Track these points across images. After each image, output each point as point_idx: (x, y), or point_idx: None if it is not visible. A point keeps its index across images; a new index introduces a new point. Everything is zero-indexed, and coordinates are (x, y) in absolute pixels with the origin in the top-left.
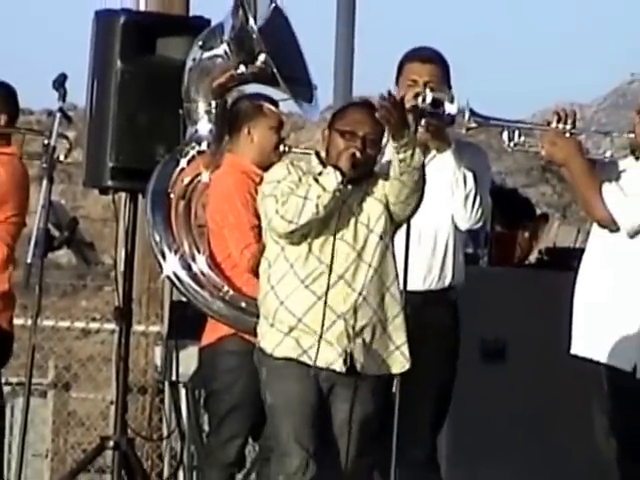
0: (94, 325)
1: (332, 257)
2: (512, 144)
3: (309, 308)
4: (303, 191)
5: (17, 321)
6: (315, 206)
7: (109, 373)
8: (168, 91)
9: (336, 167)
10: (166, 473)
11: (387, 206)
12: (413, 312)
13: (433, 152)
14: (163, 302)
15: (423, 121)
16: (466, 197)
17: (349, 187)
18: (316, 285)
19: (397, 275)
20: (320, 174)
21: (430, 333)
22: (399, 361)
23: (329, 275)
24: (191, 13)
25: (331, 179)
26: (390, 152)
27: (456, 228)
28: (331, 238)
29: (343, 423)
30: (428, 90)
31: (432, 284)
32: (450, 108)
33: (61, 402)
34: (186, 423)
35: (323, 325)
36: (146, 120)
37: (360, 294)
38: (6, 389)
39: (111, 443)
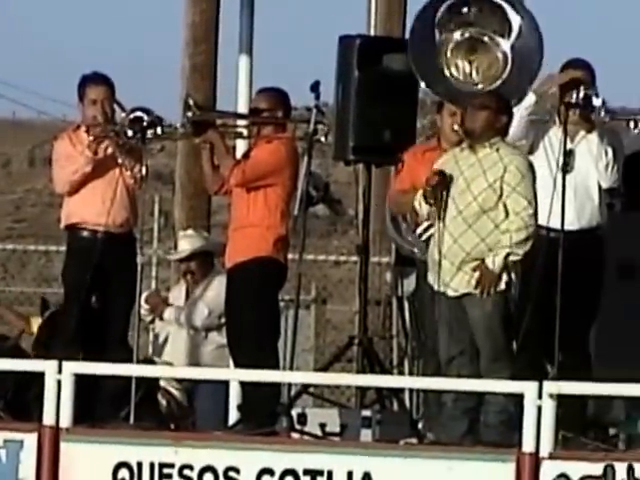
0: (342, 258)
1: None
2: (637, 131)
3: None
4: None
5: (289, 256)
6: None
7: (354, 291)
8: (391, 92)
9: None
10: (395, 362)
11: None
12: (569, 245)
13: (582, 133)
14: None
15: (577, 110)
16: (606, 165)
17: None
18: None
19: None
20: None
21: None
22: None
23: None
24: (407, 36)
25: None
26: None
27: (599, 186)
28: None
29: None
30: (582, 88)
31: (584, 224)
32: (596, 102)
33: (320, 312)
34: (409, 326)
35: None
36: (376, 112)
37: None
38: (281, 304)
39: (356, 341)
